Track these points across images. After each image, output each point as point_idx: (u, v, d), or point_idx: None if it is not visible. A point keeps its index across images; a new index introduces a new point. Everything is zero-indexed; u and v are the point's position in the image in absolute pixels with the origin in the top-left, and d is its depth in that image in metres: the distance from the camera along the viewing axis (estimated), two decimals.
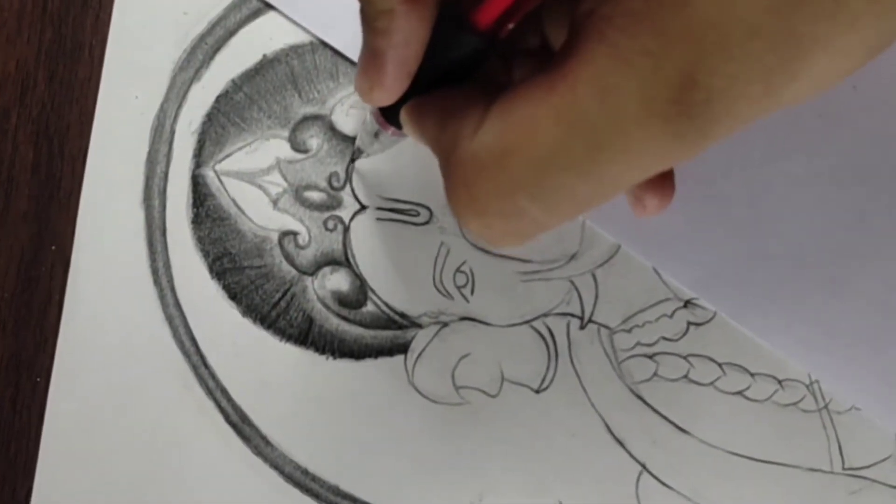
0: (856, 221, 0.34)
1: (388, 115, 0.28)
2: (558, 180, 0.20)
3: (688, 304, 0.35)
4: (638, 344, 0.36)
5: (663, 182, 0.26)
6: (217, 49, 0.37)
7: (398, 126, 0.27)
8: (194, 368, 0.36)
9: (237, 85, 0.37)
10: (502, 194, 0.20)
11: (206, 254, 0.37)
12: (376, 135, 0.30)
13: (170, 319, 0.36)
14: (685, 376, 0.35)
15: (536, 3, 0.22)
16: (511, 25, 0.22)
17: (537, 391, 0.36)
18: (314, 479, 0.36)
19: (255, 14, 0.37)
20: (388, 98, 0.24)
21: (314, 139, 0.37)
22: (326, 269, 0.37)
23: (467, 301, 0.36)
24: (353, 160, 0.36)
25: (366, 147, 0.32)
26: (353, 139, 0.37)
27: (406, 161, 0.36)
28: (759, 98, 0.18)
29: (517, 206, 0.20)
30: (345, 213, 0.37)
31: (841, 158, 0.34)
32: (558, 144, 0.19)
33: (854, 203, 0.34)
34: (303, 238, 0.37)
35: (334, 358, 0.36)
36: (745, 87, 0.17)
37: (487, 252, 0.36)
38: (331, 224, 0.37)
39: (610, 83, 0.18)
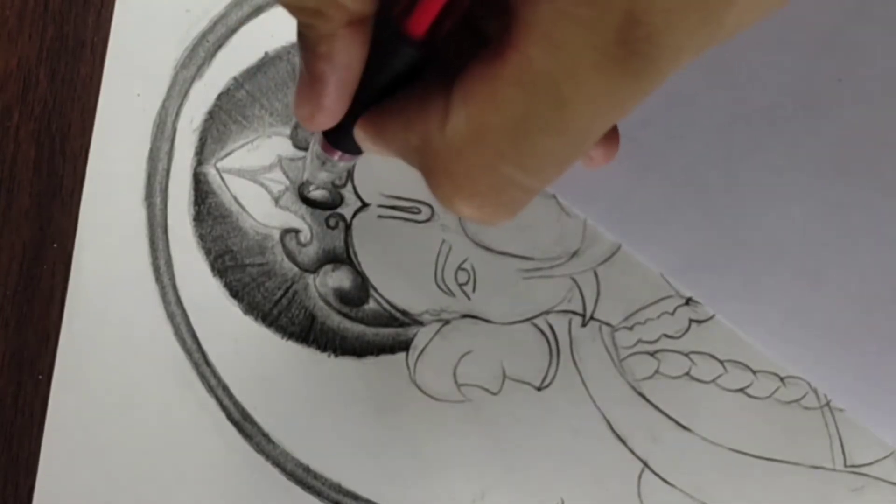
0: (835, 214, 0.34)
1: (334, 140, 0.27)
2: (534, 143, 0.20)
3: (689, 301, 0.35)
4: (639, 341, 0.36)
5: (607, 134, 0.27)
6: (219, 46, 0.37)
7: (345, 149, 0.27)
8: (196, 366, 0.36)
9: (239, 82, 0.37)
10: (486, 170, 0.21)
11: (207, 251, 0.37)
12: (323, 163, 0.29)
13: (171, 317, 0.37)
14: (687, 373, 0.35)
15: (467, 3, 0.22)
16: (448, 27, 0.22)
17: (539, 389, 0.36)
18: (316, 476, 0.36)
19: (256, 11, 0.37)
20: (330, 121, 0.24)
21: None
22: (328, 267, 0.37)
23: (469, 298, 0.36)
24: (303, 197, 0.36)
25: (314, 178, 0.31)
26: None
27: None
28: (698, 27, 0.19)
29: (503, 176, 0.21)
30: (346, 211, 0.37)
31: (823, 150, 0.34)
32: (525, 109, 0.20)
33: (834, 195, 0.34)
34: (304, 236, 0.37)
35: (336, 355, 0.36)
36: (682, 19, 0.19)
37: (489, 250, 0.36)
38: (332, 222, 0.37)
39: (558, 39, 0.19)
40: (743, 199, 0.35)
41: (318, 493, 0.36)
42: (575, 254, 0.36)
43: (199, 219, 0.37)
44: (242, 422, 0.36)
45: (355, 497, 0.36)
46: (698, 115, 0.35)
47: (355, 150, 0.27)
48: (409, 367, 0.36)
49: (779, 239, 0.35)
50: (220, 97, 0.37)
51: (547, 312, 0.36)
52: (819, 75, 0.34)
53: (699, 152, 0.35)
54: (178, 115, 0.37)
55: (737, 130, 0.35)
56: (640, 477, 0.35)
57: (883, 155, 0.34)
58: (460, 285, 0.36)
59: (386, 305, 0.36)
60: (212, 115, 0.37)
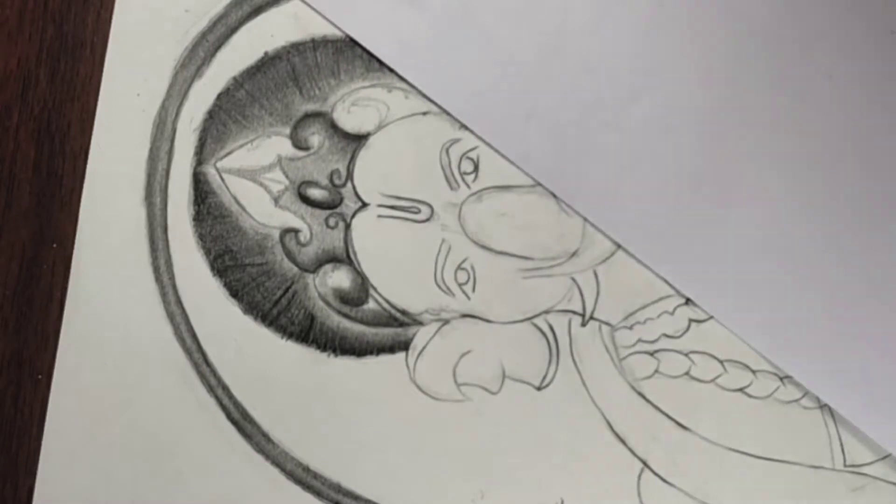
0: (824, 210, 0.34)
1: None
2: None
3: (689, 301, 0.35)
4: (639, 341, 0.36)
5: None
6: (218, 46, 0.37)
7: None
8: (195, 366, 0.36)
9: (238, 82, 0.37)
10: None
11: (207, 251, 0.37)
12: None
13: (171, 317, 0.37)
14: (686, 373, 0.35)
15: None
16: None
17: (538, 388, 0.36)
18: (316, 476, 0.36)
19: (256, 11, 0.37)
20: None
21: (315, 136, 0.37)
22: (328, 267, 0.37)
23: (468, 298, 0.36)
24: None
25: None
26: (354, 136, 0.37)
27: (407, 159, 0.37)
28: None
29: None
30: (346, 211, 0.37)
31: (812, 147, 0.34)
32: None
33: (823, 192, 0.34)
34: (304, 235, 0.37)
35: (336, 355, 0.36)
36: None
37: (489, 249, 0.36)
38: (332, 221, 0.37)
39: None
40: (736, 198, 0.35)
41: (317, 493, 0.36)
42: (575, 253, 0.36)
43: (198, 219, 0.37)
44: (242, 421, 0.36)
45: (355, 497, 0.36)
46: (693, 113, 0.35)
47: None
48: (408, 367, 0.36)
49: (765, 234, 0.35)
50: (219, 97, 0.37)
51: (546, 312, 0.36)
52: (810, 72, 0.34)
53: (690, 145, 0.35)
54: (177, 114, 0.37)
55: (731, 128, 0.35)
56: (639, 477, 0.35)
57: (875, 153, 0.34)
58: (460, 285, 0.36)
59: (385, 305, 0.36)
60: (211, 115, 0.37)
